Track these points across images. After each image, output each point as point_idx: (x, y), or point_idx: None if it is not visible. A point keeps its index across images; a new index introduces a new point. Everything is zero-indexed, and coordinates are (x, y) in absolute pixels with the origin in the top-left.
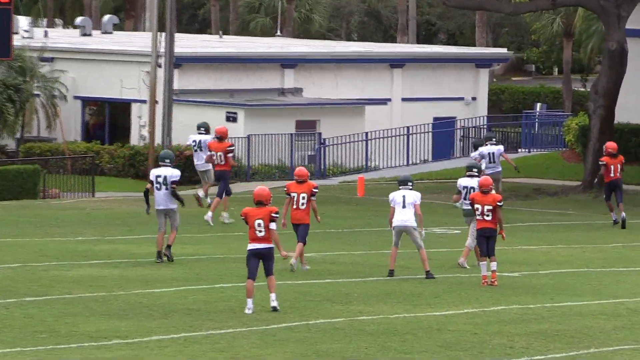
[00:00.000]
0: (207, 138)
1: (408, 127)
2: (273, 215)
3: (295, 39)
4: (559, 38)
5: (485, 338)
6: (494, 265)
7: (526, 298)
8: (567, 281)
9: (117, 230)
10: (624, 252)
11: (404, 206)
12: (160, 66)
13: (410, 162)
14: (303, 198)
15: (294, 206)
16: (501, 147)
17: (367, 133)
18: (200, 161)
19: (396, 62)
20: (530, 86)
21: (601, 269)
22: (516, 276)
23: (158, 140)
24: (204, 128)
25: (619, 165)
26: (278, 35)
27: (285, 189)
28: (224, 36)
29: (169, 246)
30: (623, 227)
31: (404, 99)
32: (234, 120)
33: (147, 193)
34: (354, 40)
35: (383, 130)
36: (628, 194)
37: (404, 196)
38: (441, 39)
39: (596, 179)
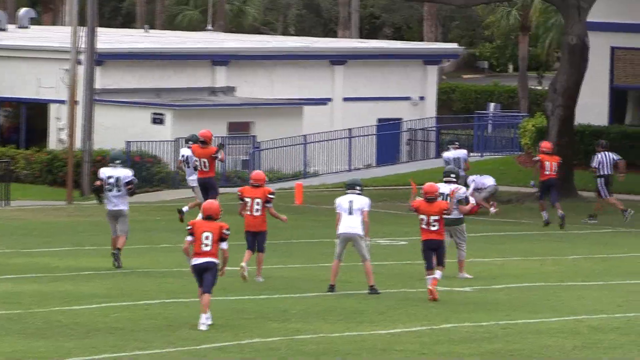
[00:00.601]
0: None
1: (350, 130)
2: (224, 232)
3: (227, 33)
4: (515, 32)
5: (434, 359)
6: (438, 273)
7: (479, 315)
8: (523, 296)
9: (34, 242)
10: (585, 265)
11: (350, 212)
12: (80, 63)
13: (352, 167)
14: (257, 204)
15: (248, 212)
16: (465, 152)
17: (305, 136)
18: (190, 176)
19: (337, 59)
20: (483, 84)
21: (560, 283)
22: (468, 291)
23: (78, 144)
24: (193, 142)
25: (554, 164)
26: (208, 30)
27: (239, 193)
28: (150, 31)
29: (118, 249)
30: (562, 225)
31: (345, 99)
32: (161, 122)
33: (97, 189)
34: (291, 35)
35: (323, 132)
36: (590, 202)
37: (350, 202)
38: (386, 33)
39: (532, 181)
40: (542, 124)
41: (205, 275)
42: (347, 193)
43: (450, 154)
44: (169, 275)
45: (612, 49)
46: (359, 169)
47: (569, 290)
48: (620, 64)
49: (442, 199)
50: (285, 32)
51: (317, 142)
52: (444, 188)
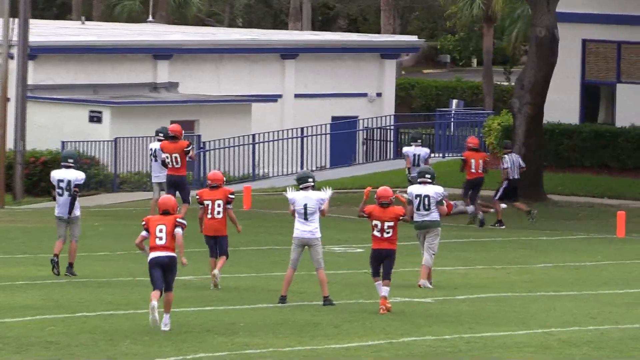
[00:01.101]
0: None
1: (302, 129)
2: (178, 220)
3: (170, 25)
4: (478, 24)
5: None
6: (385, 290)
7: (440, 328)
8: (488, 308)
9: None
10: (555, 274)
11: (306, 216)
12: (12, 57)
13: (304, 169)
14: (219, 206)
15: (209, 216)
16: (427, 150)
17: (254, 135)
18: (156, 173)
19: (288, 53)
20: (445, 80)
21: (528, 293)
22: (429, 302)
23: (10, 144)
24: (163, 134)
25: (481, 161)
26: (150, 22)
27: (197, 197)
28: (87, 22)
29: (70, 264)
30: (477, 223)
31: (297, 96)
32: (99, 120)
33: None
34: (239, 27)
35: (273, 132)
36: (561, 206)
37: (305, 204)
38: (341, 25)
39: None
40: (509, 122)
41: (167, 275)
42: (301, 188)
43: (412, 149)
44: (108, 286)
45: (584, 41)
46: (312, 171)
47: (537, 301)
48: (592, 58)
49: (420, 200)
50: (232, 24)
51: (267, 142)
52: (420, 189)
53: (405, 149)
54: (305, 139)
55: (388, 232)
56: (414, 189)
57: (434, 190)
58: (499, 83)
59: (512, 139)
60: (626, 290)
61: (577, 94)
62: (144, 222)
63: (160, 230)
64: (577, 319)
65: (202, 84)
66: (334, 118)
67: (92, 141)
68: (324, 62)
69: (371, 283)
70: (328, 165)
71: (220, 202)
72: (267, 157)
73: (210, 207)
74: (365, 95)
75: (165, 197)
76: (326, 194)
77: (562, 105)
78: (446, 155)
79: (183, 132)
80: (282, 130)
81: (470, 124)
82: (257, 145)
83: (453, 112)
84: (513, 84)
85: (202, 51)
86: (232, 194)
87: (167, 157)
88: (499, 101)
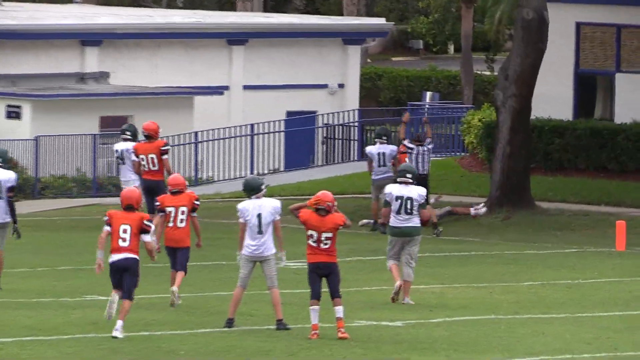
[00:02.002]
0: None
1: (252, 125)
2: (146, 223)
3: (100, 7)
4: (455, 4)
5: None
6: (340, 310)
7: (412, 355)
8: (468, 333)
9: None
10: (545, 293)
11: (260, 229)
12: None
13: (255, 172)
14: (182, 213)
15: (171, 224)
16: (394, 148)
17: (196, 133)
18: (125, 177)
19: (236, 38)
20: (417, 69)
21: (514, 315)
22: (398, 326)
23: None
24: (130, 132)
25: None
26: (77, 2)
27: (158, 204)
28: (4, 3)
29: None
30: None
31: (246, 87)
32: (17, 116)
33: None
34: (179, 9)
35: (219, 129)
36: (551, 214)
37: (259, 215)
38: (297, 5)
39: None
40: (491, 117)
41: (124, 277)
42: (252, 198)
43: (375, 148)
44: (27, 307)
45: (578, 25)
46: (263, 174)
47: (525, 324)
48: (588, 44)
49: (402, 203)
50: (171, 5)
51: (212, 140)
52: (401, 190)
53: (368, 149)
54: (256, 137)
55: (326, 244)
56: (394, 190)
57: (417, 192)
58: (479, 72)
59: (495, 137)
60: (626, 313)
61: (570, 85)
62: (106, 217)
63: (125, 231)
64: (570, 345)
65: (137, 74)
66: (289, 113)
67: (9, 140)
68: (278, 48)
69: (331, 304)
70: (282, 168)
71: (184, 208)
72: (212, 158)
73: (173, 214)
74: (325, 86)
75: (129, 190)
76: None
77: (553, 98)
78: None
79: (159, 130)
80: (230, 128)
81: (447, 120)
82: (200, 145)
83: (426, 106)
84: (496, 73)
85: (137, 36)
86: (197, 200)
87: (142, 159)
88: (480, 93)
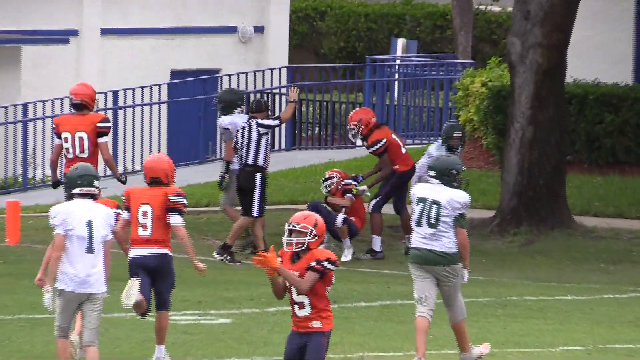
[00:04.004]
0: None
1: (116, 93)
2: (173, 199)
3: None
4: None
5: None
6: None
7: None
8: None
9: None
10: None
11: (90, 249)
12: None
13: (122, 169)
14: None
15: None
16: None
17: (25, 106)
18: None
19: None
20: (383, 2)
21: None
22: None
23: None
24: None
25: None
26: None
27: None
28: None
29: None
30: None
31: (106, 32)
32: None
33: None
34: None
35: (62, 99)
36: (599, 236)
37: (90, 224)
38: None
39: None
40: (502, 81)
41: (156, 283)
42: (78, 195)
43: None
44: None
45: None
46: (126, 173)
47: None
48: None
49: (422, 212)
50: None
51: (50, 117)
52: (426, 192)
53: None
54: (120, 112)
55: (303, 308)
56: (418, 190)
57: (450, 197)
58: (482, 7)
59: (508, 112)
60: None
61: (628, 30)
62: (124, 198)
63: (144, 214)
64: None
65: None
66: (174, 73)
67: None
68: None
69: None
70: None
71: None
72: (46, 145)
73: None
74: (234, 30)
75: (158, 158)
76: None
77: (602, 50)
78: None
79: (96, 96)
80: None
81: (430, 85)
82: (31, 124)
83: (398, 61)
84: (510, 9)
85: None
86: (117, 208)
87: (66, 140)
88: (485, 41)
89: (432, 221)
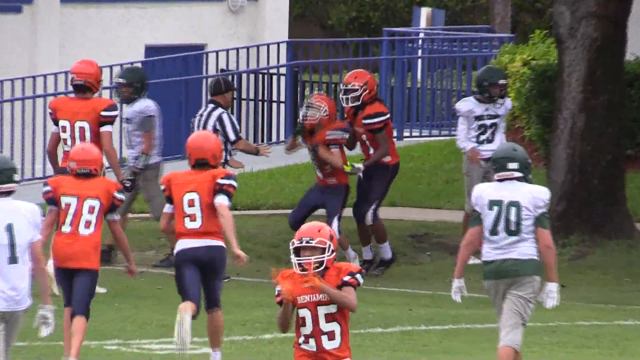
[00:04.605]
0: None
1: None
2: (222, 182)
3: None
4: None
5: None
6: None
7: None
8: None
9: None
10: None
11: (13, 258)
12: None
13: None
14: (91, 210)
15: (67, 229)
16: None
17: None
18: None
19: None
20: None
21: None
22: None
23: None
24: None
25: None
26: None
27: (48, 189)
28: None
29: None
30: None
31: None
32: None
33: None
34: None
35: (14, 80)
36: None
37: (10, 228)
38: None
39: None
40: (549, 59)
41: (207, 278)
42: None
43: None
44: None
45: None
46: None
47: None
48: None
49: (498, 217)
50: None
51: (6, 102)
52: (497, 192)
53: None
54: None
55: (333, 339)
56: (486, 191)
57: (532, 194)
58: None
59: (556, 97)
60: None
61: None
62: (164, 186)
63: (191, 203)
64: None
65: None
66: (150, 50)
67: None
68: None
69: None
70: (139, 160)
71: (94, 203)
72: (11, 139)
73: (72, 211)
74: None
75: (202, 135)
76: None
77: None
78: (413, 131)
79: (101, 76)
80: (36, 77)
81: (461, 63)
82: None
83: (421, 35)
84: None
85: None
86: (119, 192)
87: (64, 128)
88: (526, 11)
89: (513, 227)
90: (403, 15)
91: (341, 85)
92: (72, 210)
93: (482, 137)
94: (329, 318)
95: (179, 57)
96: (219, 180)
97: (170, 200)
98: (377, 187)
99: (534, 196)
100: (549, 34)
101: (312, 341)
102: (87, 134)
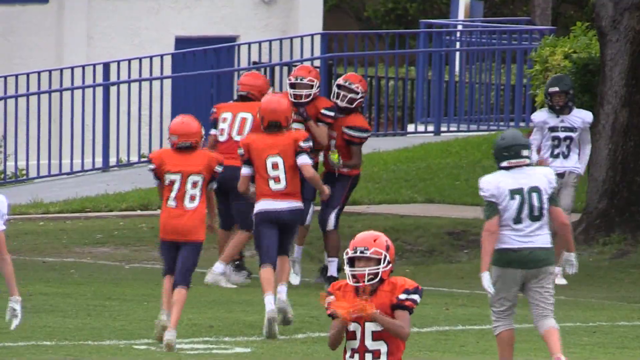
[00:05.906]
0: None
1: (106, 66)
2: (303, 144)
3: None
4: None
5: None
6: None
7: None
8: None
9: None
10: None
11: None
12: None
13: (117, 158)
14: (194, 185)
15: (172, 203)
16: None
17: None
18: None
19: None
20: None
21: None
22: None
23: None
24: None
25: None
26: None
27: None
28: None
29: None
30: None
31: None
32: None
33: None
34: None
35: (39, 72)
36: None
37: None
38: None
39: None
40: (591, 52)
41: (283, 236)
42: None
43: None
44: None
45: None
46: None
47: None
48: None
49: (522, 205)
50: None
51: (23, 96)
52: (514, 180)
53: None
54: (113, 88)
55: (378, 357)
56: (503, 182)
57: (545, 176)
58: None
59: (599, 92)
60: None
61: None
62: (243, 150)
63: (275, 166)
64: None
65: None
66: (180, 41)
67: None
68: None
69: None
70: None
71: (197, 178)
72: (25, 134)
73: (177, 185)
74: None
75: (275, 98)
76: None
77: None
78: (451, 126)
79: (268, 89)
80: (62, 70)
81: (500, 56)
82: (3, 103)
83: (460, 27)
84: None
85: None
86: (220, 165)
87: (224, 119)
88: (568, 2)
89: (537, 212)
90: (441, 7)
91: (340, 80)
92: (176, 186)
93: (557, 151)
94: (376, 336)
95: (210, 50)
96: (301, 143)
97: (249, 163)
98: (339, 195)
99: (548, 179)
100: (591, 26)
101: (357, 357)
102: (248, 125)
